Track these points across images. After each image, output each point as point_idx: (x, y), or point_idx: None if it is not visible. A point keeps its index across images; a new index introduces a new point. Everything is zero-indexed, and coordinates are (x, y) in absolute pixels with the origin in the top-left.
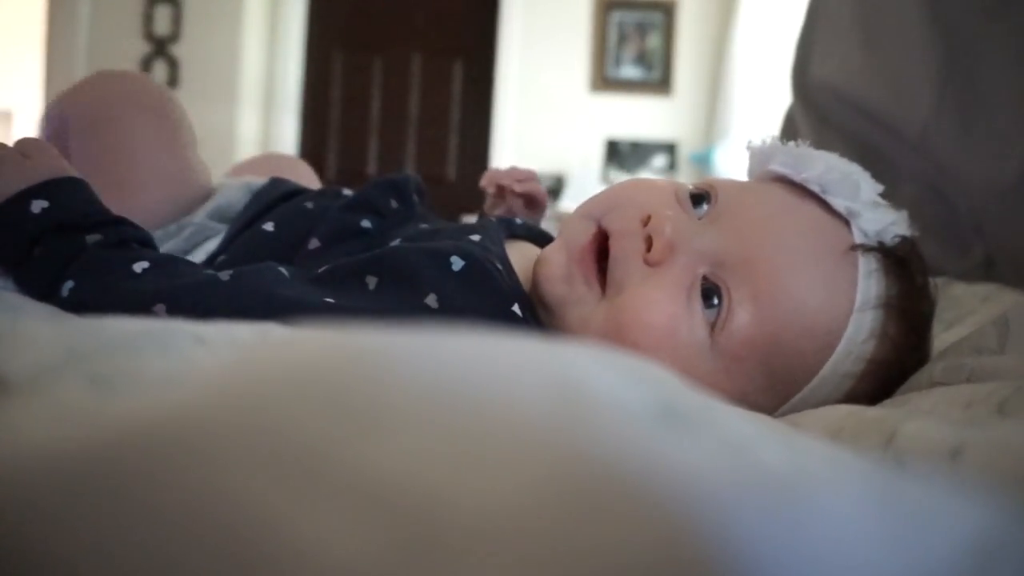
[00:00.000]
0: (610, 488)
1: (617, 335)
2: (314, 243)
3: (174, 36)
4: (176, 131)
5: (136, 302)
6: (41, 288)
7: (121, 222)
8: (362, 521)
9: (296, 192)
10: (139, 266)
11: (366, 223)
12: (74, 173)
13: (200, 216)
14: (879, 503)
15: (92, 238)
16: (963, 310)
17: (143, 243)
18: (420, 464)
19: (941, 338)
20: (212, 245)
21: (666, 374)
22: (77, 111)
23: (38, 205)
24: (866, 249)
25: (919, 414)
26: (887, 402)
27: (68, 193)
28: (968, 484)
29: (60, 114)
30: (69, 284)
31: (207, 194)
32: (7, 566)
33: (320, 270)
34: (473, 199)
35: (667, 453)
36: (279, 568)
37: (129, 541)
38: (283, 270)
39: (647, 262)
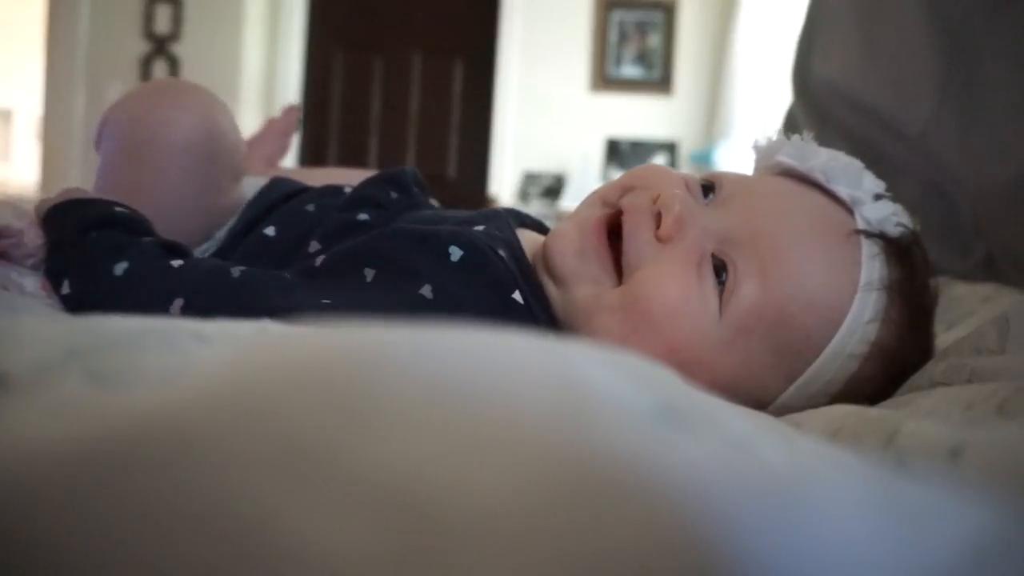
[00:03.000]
0: (611, 488)
1: (632, 311)
2: (314, 246)
3: (174, 35)
4: (219, 174)
5: (165, 288)
6: (89, 260)
7: (170, 240)
8: (362, 519)
9: (297, 192)
10: (176, 262)
11: (363, 216)
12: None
13: (222, 231)
14: (879, 502)
15: (147, 239)
16: (963, 310)
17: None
18: (421, 463)
19: (942, 338)
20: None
21: (667, 373)
22: (129, 132)
23: (121, 209)
24: (869, 235)
25: (919, 414)
26: (887, 402)
27: (140, 219)
28: (968, 484)
29: (116, 123)
30: (124, 264)
31: (237, 207)
32: (9, 559)
33: (318, 261)
34: (473, 198)
35: (668, 453)
36: (279, 564)
37: (130, 536)
38: (285, 275)
39: (658, 238)
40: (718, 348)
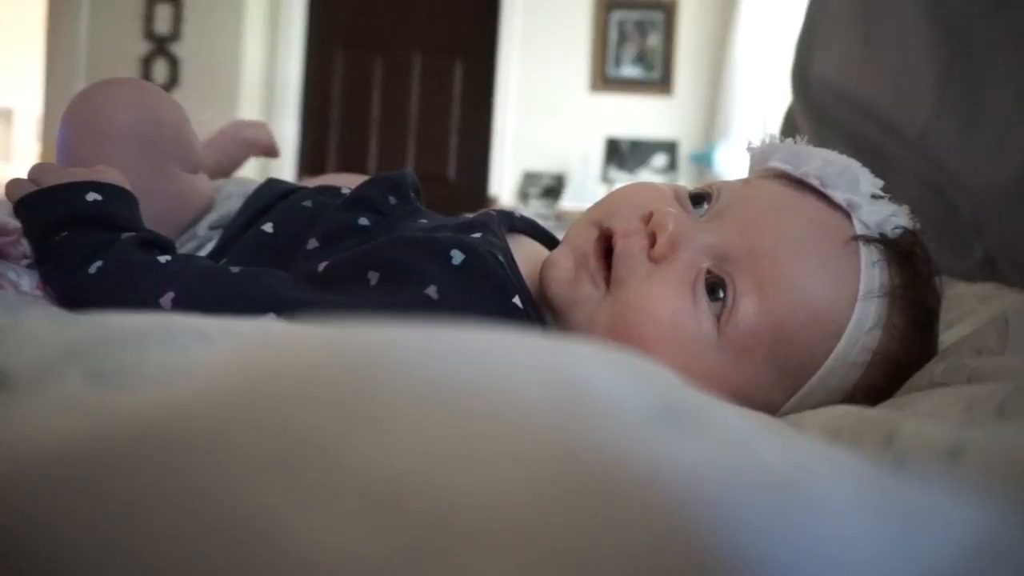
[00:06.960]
0: (610, 487)
1: (624, 331)
2: (312, 243)
3: (174, 35)
4: (165, 159)
5: (153, 282)
6: (67, 264)
7: (152, 233)
8: (362, 518)
9: (293, 190)
10: (163, 258)
11: (363, 221)
12: (131, 191)
13: (202, 228)
14: (878, 503)
15: (126, 235)
16: (963, 310)
17: (167, 251)
18: (420, 462)
19: (941, 339)
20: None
21: (666, 372)
22: (71, 132)
23: (92, 196)
24: (868, 240)
25: (919, 415)
26: (887, 403)
27: (120, 200)
28: (967, 485)
29: (63, 127)
30: (98, 263)
31: (208, 205)
32: (9, 558)
33: (321, 268)
34: (473, 198)
35: (667, 452)
36: (280, 563)
37: (130, 536)
38: (288, 275)
39: (651, 258)
40: (717, 368)
